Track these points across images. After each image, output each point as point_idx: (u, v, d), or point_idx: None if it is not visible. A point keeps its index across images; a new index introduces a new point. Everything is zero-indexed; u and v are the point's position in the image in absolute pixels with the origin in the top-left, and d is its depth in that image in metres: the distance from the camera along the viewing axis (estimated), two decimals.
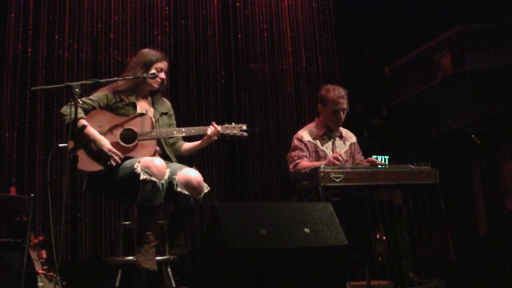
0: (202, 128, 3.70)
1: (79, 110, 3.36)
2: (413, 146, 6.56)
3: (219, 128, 3.68)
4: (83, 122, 3.45)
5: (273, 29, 6.57)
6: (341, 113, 4.18)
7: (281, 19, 6.63)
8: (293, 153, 4.13)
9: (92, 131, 3.46)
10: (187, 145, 3.86)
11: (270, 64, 6.50)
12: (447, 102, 6.29)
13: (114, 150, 3.45)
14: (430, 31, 6.28)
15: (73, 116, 3.10)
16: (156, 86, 3.76)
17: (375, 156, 4.08)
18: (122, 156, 3.47)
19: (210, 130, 3.66)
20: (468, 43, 5.79)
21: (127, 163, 3.44)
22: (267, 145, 6.32)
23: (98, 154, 3.45)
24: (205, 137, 3.69)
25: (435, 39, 6.17)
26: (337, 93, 4.14)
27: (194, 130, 3.70)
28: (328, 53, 6.77)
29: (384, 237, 4.39)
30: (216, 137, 3.67)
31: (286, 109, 6.46)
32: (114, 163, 3.44)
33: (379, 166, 3.82)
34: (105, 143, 3.45)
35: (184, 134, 3.71)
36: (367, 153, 4.44)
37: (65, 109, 3.48)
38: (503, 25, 5.79)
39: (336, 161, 3.78)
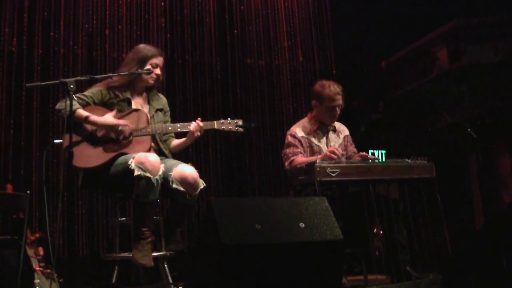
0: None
1: (75, 103, 3.37)
2: (410, 141, 6.56)
3: (201, 124, 3.67)
4: (85, 113, 3.46)
5: (269, 24, 6.55)
6: (337, 109, 4.18)
7: (277, 14, 6.60)
8: (287, 150, 4.12)
9: (96, 118, 3.48)
10: (175, 142, 3.86)
11: (266, 59, 6.48)
12: (444, 96, 6.29)
13: (120, 122, 3.50)
14: (426, 25, 6.26)
15: (68, 109, 3.12)
16: (151, 82, 3.75)
17: (372, 151, 4.05)
18: (129, 128, 3.52)
19: (191, 126, 3.64)
20: (465, 37, 5.78)
21: (122, 159, 3.44)
22: (263, 141, 6.31)
23: (109, 137, 3.50)
24: (188, 134, 3.68)
25: (431, 33, 6.16)
26: (333, 89, 4.13)
27: (188, 126, 3.69)
28: (325, 48, 6.75)
29: (381, 232, 4.39)
30: (198, 133, 3.65)
31: (282, 105, 6.45)
32: (127, 133, 3.50)
33: (370, 161, 3.81)
34: (110, 121, 3.50)
35: (179, 130, 3.70)
36: (363, 148, 4.43)
37: (60, 105, 3.48)
38: (500, 19, 5.78)
39: (332, 155, 3.77)
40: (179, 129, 3.68)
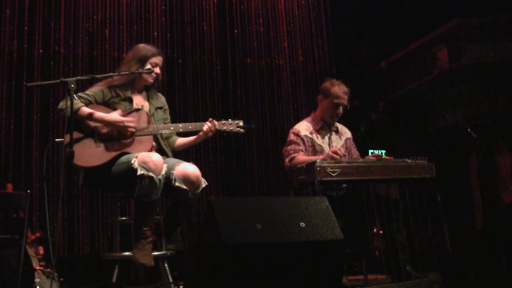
0: (199, 124, 3.71)
1: (78, 101, 3.38)
2: (409, 140, 6.56)
3: (216, 124, 3.69)
4: (88, 109, 3.46)
5: (269, 24, 6.55)
6: (341, 108, 4.21)
7: (277, 14, 6.61)
8: (289, 147, 4.13)
9: (101, 115, 3.48)
10: (181, 140, 3.87)
11: (266, 59, 6.48)
12: (444, 96, 6.29)
13: (126, 119, 3.50)
14: (426, 25, 6.26)
15: (71, 109, 3.12)
16: (151, 81, 3.77)
17: (372, 151, 4.10)
18: (135, 124, 3.52)
19: (206, 126, 3.66)
20: (465, 36, 5.78)
21: (124, 158, 3.44)
22: (263, 140, 6.31)
23: (114, 134, 3.51)
24: (200, 133, 3.69)
25: (431, 33, 6.16)
26: (342, 88, 4.21)
27: (191, 126, 3.71)
28: (325, 48, 6.76)
29: (381, 231, 4.40)
30: (211, 133, 3.67)
31: (282, 104, 6.45)
32: (133, 130, 3.51)
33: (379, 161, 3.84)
34: (116, 117, 3.49)
35: (181, 130, 3.71)
36: (364, 148, 4.45)
37: (62, 104, 3.48)
38: (500, 19, 5.78)
39: (334, 155, 3.78)
40: (190, 128, 3.69)
